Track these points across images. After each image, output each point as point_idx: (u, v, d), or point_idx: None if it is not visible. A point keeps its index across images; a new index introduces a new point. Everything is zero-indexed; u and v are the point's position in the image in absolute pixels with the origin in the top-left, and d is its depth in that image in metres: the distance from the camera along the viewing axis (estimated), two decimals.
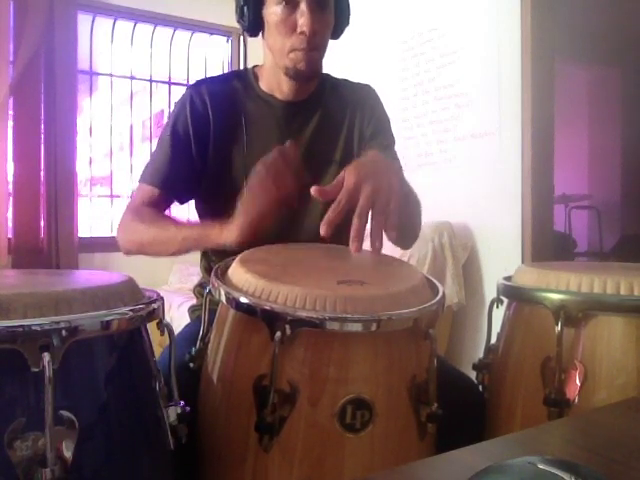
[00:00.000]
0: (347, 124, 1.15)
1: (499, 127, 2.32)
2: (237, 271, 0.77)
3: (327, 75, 1.18)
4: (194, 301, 1.24)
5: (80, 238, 3.15)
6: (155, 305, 0.69)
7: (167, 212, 1.13)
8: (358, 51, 2.98)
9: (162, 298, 0.73)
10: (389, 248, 0.91)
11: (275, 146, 1.10)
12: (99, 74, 3.58)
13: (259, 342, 0.70)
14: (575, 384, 0.80)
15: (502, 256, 2.31)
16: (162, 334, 0.71)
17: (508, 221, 2.28)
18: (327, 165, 1.13)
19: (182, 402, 0.71)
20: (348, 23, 1.12)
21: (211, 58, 3.91)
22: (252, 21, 1.06)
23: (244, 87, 1.14)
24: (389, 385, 0.70)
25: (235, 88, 1.13)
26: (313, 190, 0.80)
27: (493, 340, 0.99)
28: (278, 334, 0.65)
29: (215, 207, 1.15)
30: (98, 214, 3.57)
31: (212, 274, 0.80)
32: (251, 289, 0.71)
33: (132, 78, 3.65)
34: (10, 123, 2.97)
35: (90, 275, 0.80)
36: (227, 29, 3.78)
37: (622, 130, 4.71)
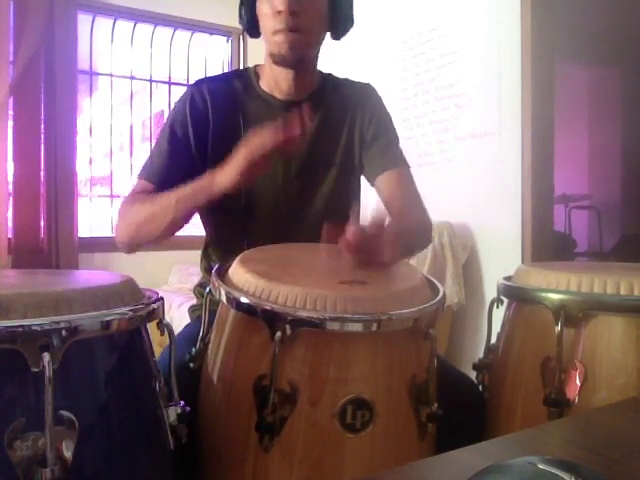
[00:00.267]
0: (348, 124, 1.15)
1: (499, 127, 2.32)
2: (237, 271, 0.77)
3: (328, 74, 1.18)
4: (194, 301, 1.24)
5: (80, 238, 3.15)
6: (155, 305, 0.69)
7: None
8: (358, 51, 2.98)
9: (162, 298, 0.73)
10: None
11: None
12: (99, 74, 3.58)
13: (259, 342, 0.70)
14: (575, 384, 0.80)
15: (502, 256, 2.31)
16: (162, 334, 0.71)
17: (508, 221, 2.28)
18: (328, 166, 1.13)
19: (182, 402, 0.71)
20: (352, 24, 1.12)
21: (211, 58, 3.91)
22: (248, 18, 1.07)
23: (244, 86, 1.13)
24: (389, 385, 0.70)
25: (235, 87, 1.13)
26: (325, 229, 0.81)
27: (493, 340, 0.99)
28: (278, 334, 0.65)
29: (214, 209, 1.15)
30: (98, 214, 3.57)
31: (212, 274, 0.80)
32: (251, 289, 0.71)
33: (132, 78, 3.65)
34: (10, 123, 2.97)
35: (90, 275, 0.80)
36: (227, 29, 3.77)
37: (622, 130, 4.70)
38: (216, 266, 0.84)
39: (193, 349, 0.84)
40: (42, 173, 3.03)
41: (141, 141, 3.95)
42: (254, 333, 0.71)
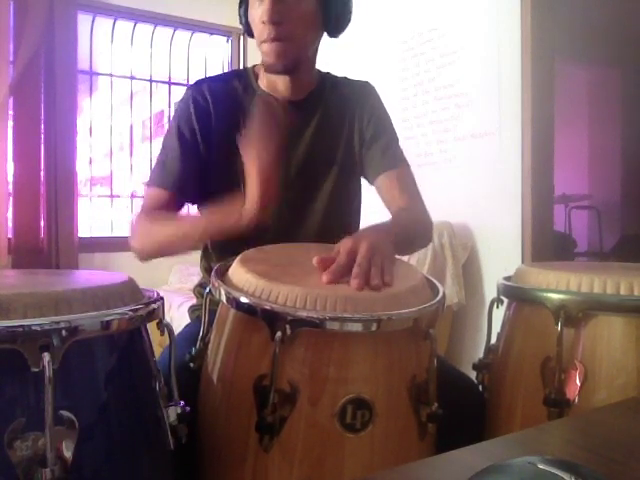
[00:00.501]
0: (347, 123, 1.14)
1: (499, 127, 2.32)
2: (237, 271, 0.77)
3: (327, 73, 1.18)
4: (194, 301, 1.24)
5: (80, 238, 3.15)
6: (155, 305, 0.69)
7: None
8: (358, 51, 2.98)
9: (162, 298, 0.73)
10: None
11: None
12: (99, 74, 3.58)
13: (259, 342, 0.70)
14: (575, 384, 0.80)
15: (502, 256, 2.31)
16: (162, 334, 0.71)
17: (508, 221, 2.28)
18: (328, 166, 1.13)
19: (182, 402, 0.71)
20: (348, 21, 1.11)
21: (211, 58, 3.91)
22: (245, 23, 1.09)
23: (244, 86, 1.13)
24: (389, 385, 0.70)
25: (235, 87, 1.13)
26: (315, 261, 0.78)
27: (493, 340, 0.99)
28: (278, 334, 0.65)
29: (215, 206, 1.15)
30: (98, 214, 3.57)
31: (212, 274, 0.80)
32: (251, 289, 0.71)
33: (132, 78, 3.65)
34: (10, 123, 2.97)
35: (90, 275, 0.80)
36: (227, 29, 3.77)
37: (622, 130, 4.70)
38: (216, 266, 0.84)
39: (193, 349, 0.84)
40: (42, 173, 3.03)
41: (141, 141, 3.94)
42: (254, 333, 0.71)
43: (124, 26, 3.55)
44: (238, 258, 0.82)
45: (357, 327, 0.67)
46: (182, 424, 0.69)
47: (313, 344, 0.68)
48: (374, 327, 0.66)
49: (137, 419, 0.66)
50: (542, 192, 2.24)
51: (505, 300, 0.96)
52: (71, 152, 3.10)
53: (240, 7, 1.10)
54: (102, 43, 3.53)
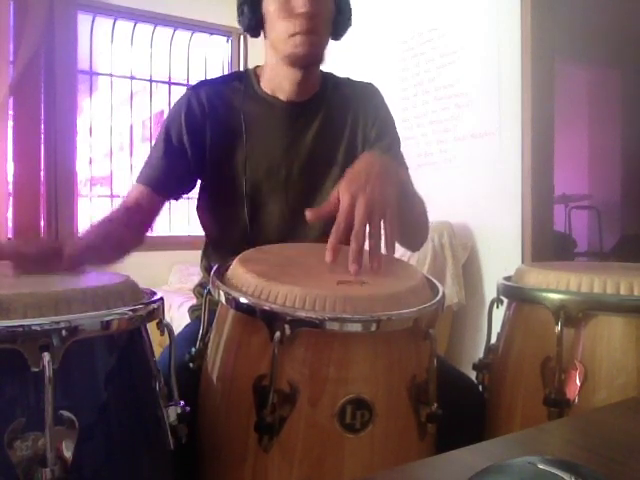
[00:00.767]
0: (350, 125, 1.14)
1: (499, 127, 2.32)
2: (237, 271, 0.77)
3: (329, 74, 1.18)
4: (194, 301, 1.24)
5: None
6: (155, 305, 0.69)
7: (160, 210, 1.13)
8: (358, 51, 2.98)
9: (162, 298, 0.73)
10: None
11: (277, 147, 1.10)
12: (99, 74, 3.58)
13: (259, 342, 0.70)
14: (575, 384, 0.80)
15: (502, 256, 2.31)
16: (162, 334, 0.71)
17: (508, 221, 2.28)
18: (330, 167, 1.13)
19: (182, 402, 0.71)
20: (350, 24, 1.12)
21: (211, 58, 3.91)
22: (252, 18, 1.06)
23: (245, 88, 1.13)
24: (389, 385, 0.70)
25: (236, 89, 1.13)
26: (308, 215, 0.79)
27: (493, 340, 0.99)
28: (278, 334, 0.65)
29: (216, 209, 1.15)
30: (98, 214, 3.57)
31: (212, 274, 0.80)
32: (251, 289, 0.71)
33: (132, 78, 3.65)
34: (10, 123, 2.97)
35: (90, 275, 0.80)
36: (227, 29, 3.77)
37: (622, 130, 4.70)
38: (216, 266, 0.84)
39: (193, 349, 0.84)
40: (42, 173, 3.03)
41: (141, 141, 3.95)
42: (253, 333, 0.71)
43: (124, 26, 3.55)
44: (238, 258, 0.82)
45: (357, 327, 0.67)
46: (182, 424, 0.69)
47: (313, 344, 0.68)
48: (374, 327, 0.66)
49: (137, 419, 0.66)
50: (542, 192, 2.24)
51: (505, 300, 0.96)
52: (71, 152, 3.11)
53: (244, 3, 1.06)
54: (102, 43, 3.53)
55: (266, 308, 0.67)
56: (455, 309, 2.39)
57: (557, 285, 0.84)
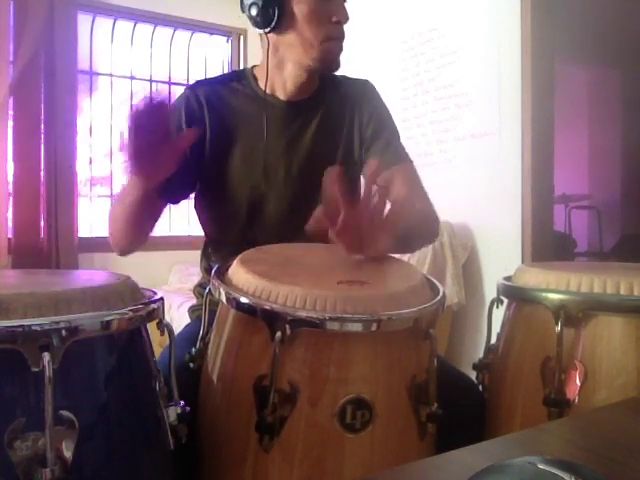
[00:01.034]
0: (348, 123, 1.14)
1: (499, 127, 2.32)
2: (237, 271, 0.77)
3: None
4: (194, 301, 1.24)
5: (80, 238, 3.15)
6: (155, 305, 0.69)
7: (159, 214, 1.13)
8: (358, 51, 2.97)
9: (162, 298, 0.73)
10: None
11: (276, 147, 1.10)
12: (99, 74, 3.58)
13: (259, 342, 0.70)
14: (575, 384, 0.80)
15: (502, 256, 2.31)
16: (162, 334, 0.71)
17: (508, 221, 2.28)
18: (329, 166, 1.12)
19: (182, 402, 0.71)
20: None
21: (211, 58, 3.91)
22: (270, 15, 1.01)
23: (243, 87, 1.13)
24: (389, 385, 0.70)
25: (234, 89, 1.13)
26: (307, 228, 0.81)
27: (493, 340, 0.99)
28: (278, 334, 0.65)
29: (215, 209, 1.15)
30: (98, 214, 3.57)
31: (212, 274, 0.80)
32: (251, 289, 0.71)
33: (132, 78, 3.65)
34: (10, 123, 2.97)
35: (90, 275, 0.80)
36: (227, 29, 3.77)
37: (622, 130, 4.70)
38: (216, 266, 0.84)
39: (193, 349, 0.84)
40: (42, 173, 3.03)
41: None
42: (254, 333, 0.71)
43: (124, 26, 3.55)
44: (238, 258, 0.82)
45: (357, 327, 0.67)
46: (182, 424, 0.69)
47: (313, 344, 0.68)
48: (374, 327, 0.66)
49: (137, 419, 0.66)
50: (542, 192, 2.24)
51: (505, 300, 0.96)
52: (71, 152, 3.10)
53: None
54: (102, 43, 3.53)
55: (267, 308, 0.67)
56: (455, 309, 2.39)
57: (557, 285, 0.84)
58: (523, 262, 2.17)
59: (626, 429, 0.56)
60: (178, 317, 2.63)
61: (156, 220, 1.06)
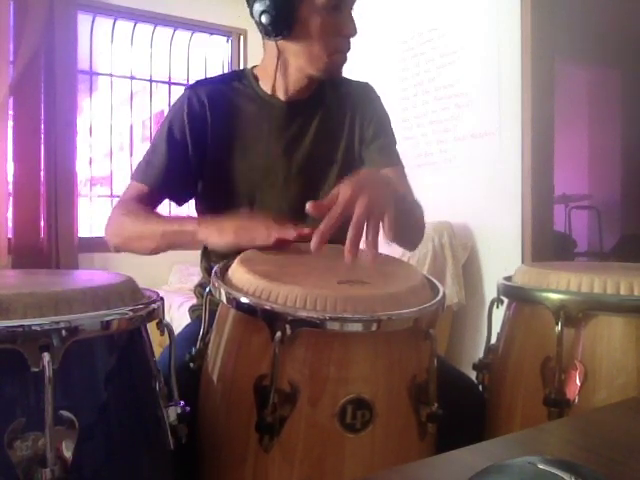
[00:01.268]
0: (348, 124, 1.15)
1: (499, 127, 2.32)
2: (237, 271, 0.77)
3: None
4: (194, 301, 1.24)
5: (80, 238, 3.15)
6: (155, 305, 0.69)
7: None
8: (358, 51, 2.97)
9: (162, 298, 0.73)
10: (389, 248, 0.91)
11: (276, 147, 1.10)
12: (99, 74, 3.58)
13: (259, 342, 0.70)
14: (575, 384, 0.80)
15: (502, 256, 2.31)
16: (162, 334, 0.71)
17: (508, 221, 2.28)
18: (328, 166, 1.13)
19: (182, 402, 0.71)
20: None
21: (211, 58, 3.91)
22: (282, 24, 1.00)
23: (244, 88, 1.13)
24: (389, 385, 0.70)
25: (235, 89, 1.13)
26: (309, 206, 0.78)
27: (493, 340, 0.99)
28: (278, 334, 0.65)
29: (214, 208, 1.15)
30: (98, 214, 3.57)
31: (212, 274, 0.80)
32: (251, 289, 0.71)
33: (132, 78, 3.65)
34: (10, 123, 2.97)
35: (90, 275, 0.80)
36: (227, 29, 3.77)
37: (622, 130, 4.71)
38: (216, 266, 0.84)
39: (193, 349, 0.84)
40: (42, 173, 3.03)
41: (141, 141, 3.94)
42: (254, 333, 0.71)
43: (124, 26, 3.55)
44: (238, 258, 0.82)
45: (357, 327, 0.67)
46: (182, 424, 0.69)
47: (313, 344, 0.68)
48: (374, 327, 0.66)
49: (137, 419, 0.66)
50: (542, 192, 2.24)
51: (505, 300, 0.96)
52: (71, 152, 3.10)
53: (273, 6, 0.99)
54: (102, 43, 3.53)
55: (267, 308, 0.67)
56: (455, 309, 2.39)
57: (557, 285, 0.84)
58: (523, 262, 2.17)
59: (626, 429, 0.56)
60: (178, 317, 2.63)
61: None
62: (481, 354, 0.99)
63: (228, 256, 0.88)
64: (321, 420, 0.67)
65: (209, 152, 1.09)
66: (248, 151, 1.10)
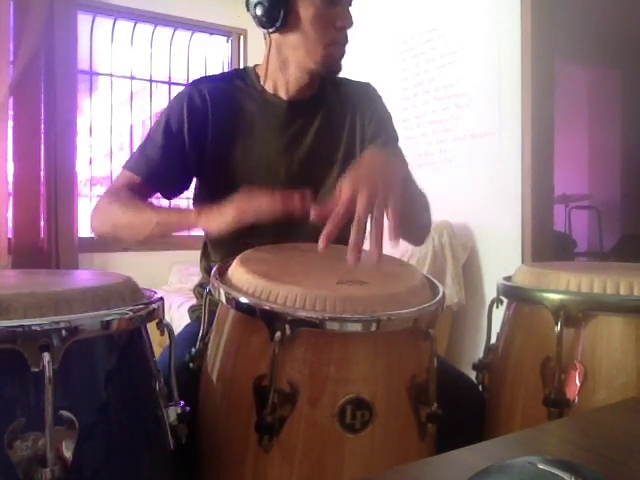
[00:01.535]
0: (349, 124, 1.15)
1: (499, 127, 2.32)
2: (237, 271, 0.77)
3: None
4: (194, 301, 1.24)
5: (80, 238, 3.15)
6: (155, 305, 0.69)
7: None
8: (358, 51, 2.97)
9: (162, 298, 0.73)
10: (389, 248, 0.90)
11: (277, 146, 1.10)
12: (99, 74, 3.58)
13: (259, 342, 0.70)
14: (575, 384, 0.80)
15: (502, 256, 2.31)
16: (162, 334, 0.71)
17: (508, 221, 2.28)
18: (329, 165, 1.13)
19: (182, 402, 0.71)
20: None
21: (211, 58, 3.91)
22: (276, 15, 1.01)
23: (246, 86, 1.13)
24: (389, 385, 0.70)
25: (237, 87, 1.13)
26: (313, 212, 0.78)
27: (493, 340, 0.99)
28: (278, 334, 0.65)
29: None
30: None
31: (212, 274, 0.80)
32: (251, 289, 0.71)
33: (132, 78, 3.65)
34: (10, 123, 2.97)
35: (90, 275, 0.80)
36: (227, 29, 3.77)
37: (622, 130, 4.71)
38: (216, 266, 0.84)
39: (193, 349, 0.84)
40: (42, 173, 3.03)
41: (141, 141, 3.94)
42: (253, 333, 0.71)
43: (124, 26, 3.55)
44: (238, 258, 0.82)
45: (357, 327, 0.67)
46: (182, 424, 0.69)
47: (313, 344, 0.68)
48: (374, 327, 0.66)
49: (137, 419, 0.66)
50: (542, 192, 2.24)
51: (505, 300, 0.96)
52: (71, 152, 3.10)
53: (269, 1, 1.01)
54: (102, 43, 3.53)
55: (266, 308, 0.67)
56: (455, 309, 2.39)
57: (557, 285, 0.84)
58: (523, 262, 2.17)
59: (626, 429, 0.56)
60: (178, 317, 2.63)
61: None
62: (481, 354, 0.99)
63: (228, 256, 0.88)
64: (321, 420, 0.67)
65: (209, 149, 1.09)
66: (249, 150, 1.10)
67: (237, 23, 3.65)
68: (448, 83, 2.56)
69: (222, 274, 0.81)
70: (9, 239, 2.96)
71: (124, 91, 3.67)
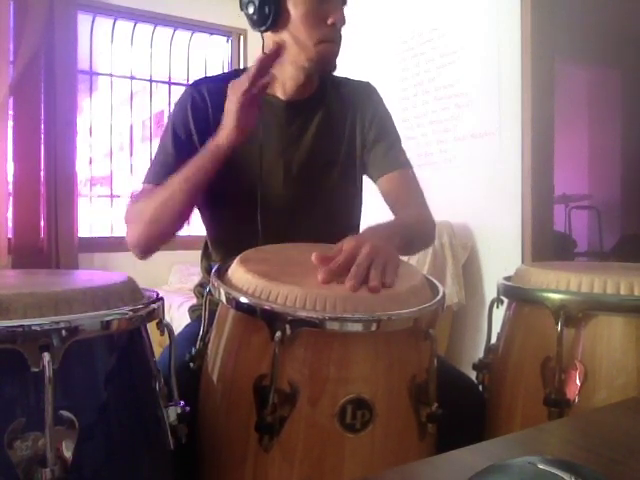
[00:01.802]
0: (349, 124, 1.14)
1: (499, 127, 2.32)
2: (237, 271, 0.77)
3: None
4: (194, 301, 1.24)
5: (80, 238, 3.15)
6: (155, 305, 0.69)
7: None
8: (358, 51, 2.98)
9: (162, 298, 0.73)
10: None
11: (276, 146, 1.10)
12: (99, 74, 3.58)
13: (259, 342, 0.70)
14: (575, 384, 0.80)
15: (502, 256, 2.31)
16: (162, 334, 0.71)
17: (508, 221, 2.28)
18: (329, 166, 1.13)
19: (182, 402, 0.71)
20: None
21: (211, 58, 3.91)
22: (266, 14, 1.01)
23: None
24: (389, 385, 0.70)
25: None
26: (314, 257, 0.76)
27: (493, 340, 0.99)
28: (278, 334, 0.65)
29: (214, 208, 1.15)
30: (98, 214, 3.57)
31: (212, 274, 0.80)
32: (251, 289, 0.71)
33: (132, 78, 3.65)
34: (10, 123, 2.97)
35: (90, 275, 0.80)
36: (227, 29, 3.77)
37: (622, 130, 4.70)
38: (216, 266, 0.84)
39: (193, 349, 0.84)
40: (42, 173, 3.03)
41: (141, 141, 3.94)
42: (254, 333, 0.71)
43: (124, 26, 3.55)
44: (238, 258, 0.82)
45: (357, 327, 0.67)
46: (182, 424, 0.70)
47: (313, 344, 0.68)
48: (374, 327, 0.66)
49: (137, 419, 0.66)
50: (542, 192, 2.24)
51: (505, 300, 0.96)
52: (71, 152, 3.10)
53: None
54: (102, 43, 3.53)
55: (267, 308, 0.67)
56: (455, 309, 2.39)
57: (557, 285, 0.84)
58: (523, 262, 2.17)
59: (626, 429, 0.56)
60: (178, 317, 2.63)
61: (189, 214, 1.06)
62: (481, 354, 0.99)
63: (228, 256, 0.88)
64: (321, 420, 0.67)
65: None
66: (248, 150, 1.10)
67: (237, 23, 3.65)
68: (448, 83, 2.56)
69: (222, 274, 0.81)
70: (9, 239, 2.97)
71: (124, 91, 3.67)
